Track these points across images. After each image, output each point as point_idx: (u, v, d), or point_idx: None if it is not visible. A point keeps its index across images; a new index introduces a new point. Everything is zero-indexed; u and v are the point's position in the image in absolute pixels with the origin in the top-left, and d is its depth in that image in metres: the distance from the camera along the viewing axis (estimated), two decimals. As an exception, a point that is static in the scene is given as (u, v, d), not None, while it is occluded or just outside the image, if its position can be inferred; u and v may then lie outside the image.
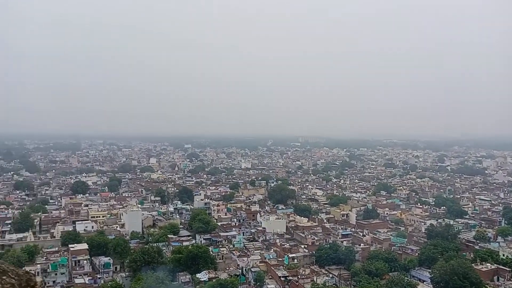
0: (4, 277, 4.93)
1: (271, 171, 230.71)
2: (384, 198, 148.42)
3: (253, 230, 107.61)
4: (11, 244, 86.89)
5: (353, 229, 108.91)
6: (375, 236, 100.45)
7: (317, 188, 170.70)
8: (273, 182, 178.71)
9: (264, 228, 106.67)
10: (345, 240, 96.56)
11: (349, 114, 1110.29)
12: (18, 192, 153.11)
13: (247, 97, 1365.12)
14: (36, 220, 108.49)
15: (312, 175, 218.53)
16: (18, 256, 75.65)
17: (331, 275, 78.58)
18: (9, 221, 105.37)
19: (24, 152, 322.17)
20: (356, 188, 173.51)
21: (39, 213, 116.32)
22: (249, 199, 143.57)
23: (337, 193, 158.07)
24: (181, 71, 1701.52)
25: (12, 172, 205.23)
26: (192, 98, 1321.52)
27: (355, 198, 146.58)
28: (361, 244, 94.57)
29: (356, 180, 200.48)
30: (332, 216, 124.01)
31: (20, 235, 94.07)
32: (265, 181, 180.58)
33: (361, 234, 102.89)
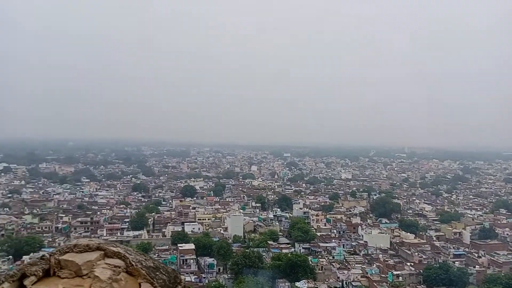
0: (157, 273, 5.38)
1: (373, 182, 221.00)
2: (504, 217, 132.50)
3: (354, 243, 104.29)
4: (128, 241, 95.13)
5: (466, 249, 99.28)
6: (493, 259, 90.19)
7: (425, 203, 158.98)
8: (375, 195, 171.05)
9: (366, 242, 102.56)
10: (457, 261, 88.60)
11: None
12: (135, 193, 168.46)
13: (350, 105, 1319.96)
14: (150, 220, 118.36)
15: (419, 188, 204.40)
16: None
17: (440, 297, 72.62)
18: (127, 220, 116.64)
19: (141, 157, 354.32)
20: (470, 205, 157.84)
21: (153, 213, 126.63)
22: (350, 211, 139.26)
23: (448, 209, 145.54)
24: (274, 76, 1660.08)
25: (131, 176, 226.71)
26: (292, 107, 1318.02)
27: (469, 215, 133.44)
28: (476, 266, 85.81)
29: (471, 196, 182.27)
30: (443, 234, 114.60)
31: (136, 233, 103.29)
32: (367, 193, 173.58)
33: (476, 255, 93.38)
